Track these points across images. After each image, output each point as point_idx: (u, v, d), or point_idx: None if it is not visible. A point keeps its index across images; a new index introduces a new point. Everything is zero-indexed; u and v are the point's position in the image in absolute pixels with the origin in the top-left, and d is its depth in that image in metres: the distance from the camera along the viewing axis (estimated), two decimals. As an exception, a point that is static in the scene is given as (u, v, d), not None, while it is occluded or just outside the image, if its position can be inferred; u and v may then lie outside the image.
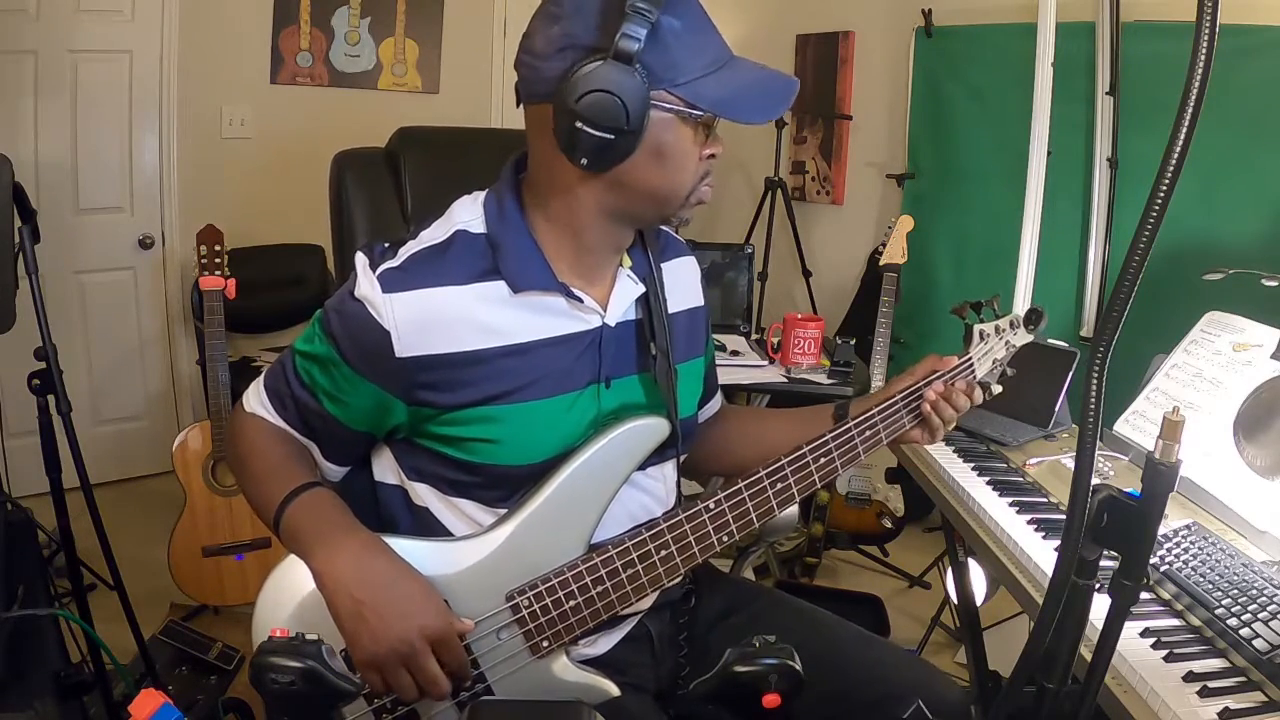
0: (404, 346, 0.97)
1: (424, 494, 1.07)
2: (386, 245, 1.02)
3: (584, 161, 0.94)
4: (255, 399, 1.10)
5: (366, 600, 0.93)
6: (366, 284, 0.97)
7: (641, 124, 0.92)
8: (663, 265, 1.15)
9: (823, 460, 1.07)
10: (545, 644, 1.01)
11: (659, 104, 0.93)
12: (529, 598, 1.00)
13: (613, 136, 0.92)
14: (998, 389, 1.29)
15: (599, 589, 1.01)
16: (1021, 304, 2.71)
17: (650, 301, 1.10)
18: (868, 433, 1.12)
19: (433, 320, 0.97)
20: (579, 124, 0.91)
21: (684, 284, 1.19)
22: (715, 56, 0.96)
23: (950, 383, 1.16)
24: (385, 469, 1.11)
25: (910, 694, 1.10)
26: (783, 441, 1.10)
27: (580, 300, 1.03)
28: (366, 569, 0.95)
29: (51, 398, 1.77)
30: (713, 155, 1.00)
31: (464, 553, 1.01)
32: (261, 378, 1.11)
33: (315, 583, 0.96)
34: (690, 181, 1.00)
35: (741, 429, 1.31)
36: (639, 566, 1.02)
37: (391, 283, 0.97)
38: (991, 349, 1.26)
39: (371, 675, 0.94)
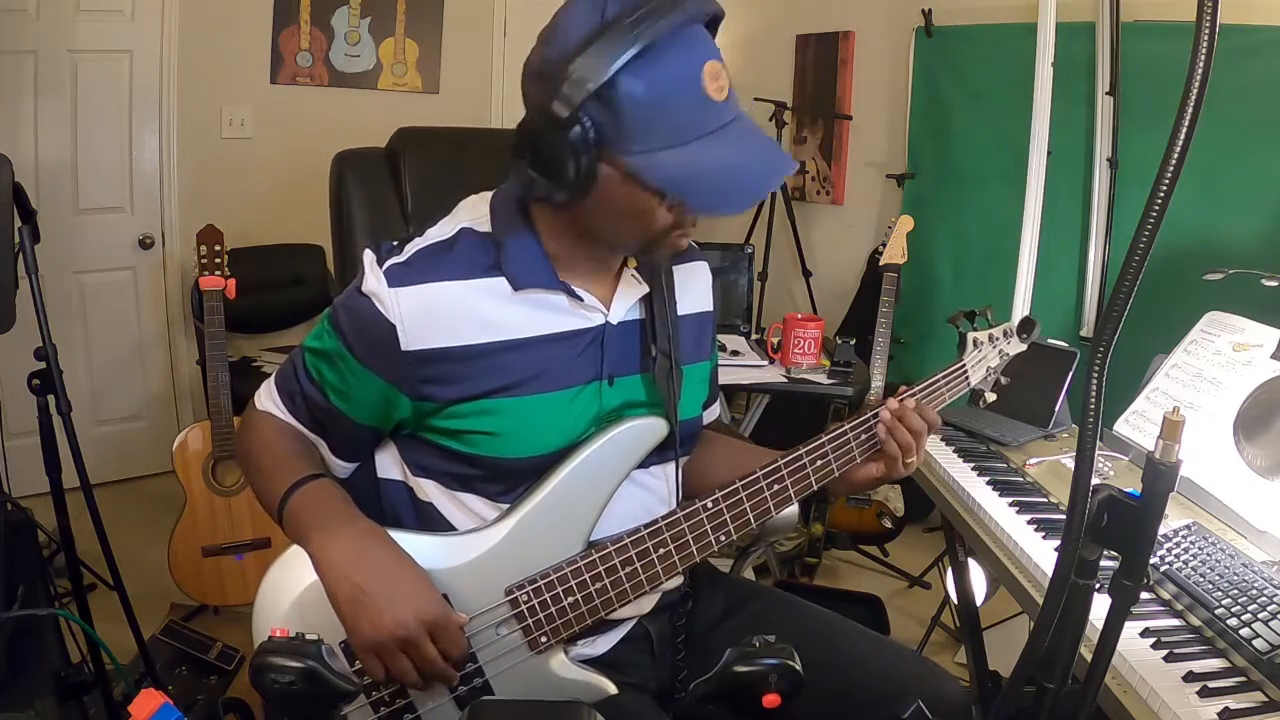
0: (409, 340, 0.98)
1: (428, 489, 1.08)
2: (394, 243, 1.04)
3: (529, 194, 0.95)
4: (266, 397, 1.12)
5: (364, 586, 0.94)
6: (373, 279, 0.99)
7: (580, 180, 0.91)
8: (675, 268, 1.16)
9: (819, 462, 1.08)
10: (544, 640, 1.01)
11: (610, 163, 0.91)
12: (528, 593, 1.00)
13: (549, 183, 0.92)
14: (992, 396, 1.31)
15: (597, 586, 1.01)
16: (1022, 304, 2.71)
17: (654, 302, 1.10)
18: (863, 435, 1.11)
19: (437, 314, 0.98)
20: (521, 161, 0.93)
21: (695, 288, 1.19)
22: (686, 128, 0.89)
23: (900, 400, 1.11)
24: (389, 465, 1.12)
25: (911, 692, 1.10)
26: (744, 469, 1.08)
27: (581, 299, 1.04)
28: (364, 555, 0.96)
29: (51, 398, 1.76)
30: (685, 210, 0.97)
31: (464, 547, 1.02)
32: (273, 376, 1.13)
33: (314, 569, 0.97)
34: (646, 234, 0.98)
35: (723, 451, 1.29)
36: (637, 564, 1.02)
37: (397, 277, 0.98)
38: (985, 357, 1.28)
39: (371, 661, 0.95)
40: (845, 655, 1.17)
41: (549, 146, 0.89)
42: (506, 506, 1.04)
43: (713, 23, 0.94)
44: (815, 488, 1.09)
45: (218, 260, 2.33)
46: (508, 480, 1.04)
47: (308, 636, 0.83)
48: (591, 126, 0.88)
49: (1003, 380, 1.32)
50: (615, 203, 0.94)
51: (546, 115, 0.88)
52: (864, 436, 1.11)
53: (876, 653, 1.19)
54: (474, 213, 1.05)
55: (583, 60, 0.85)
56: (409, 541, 1.00)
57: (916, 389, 1.17)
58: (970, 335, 1.27)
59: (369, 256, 1.01)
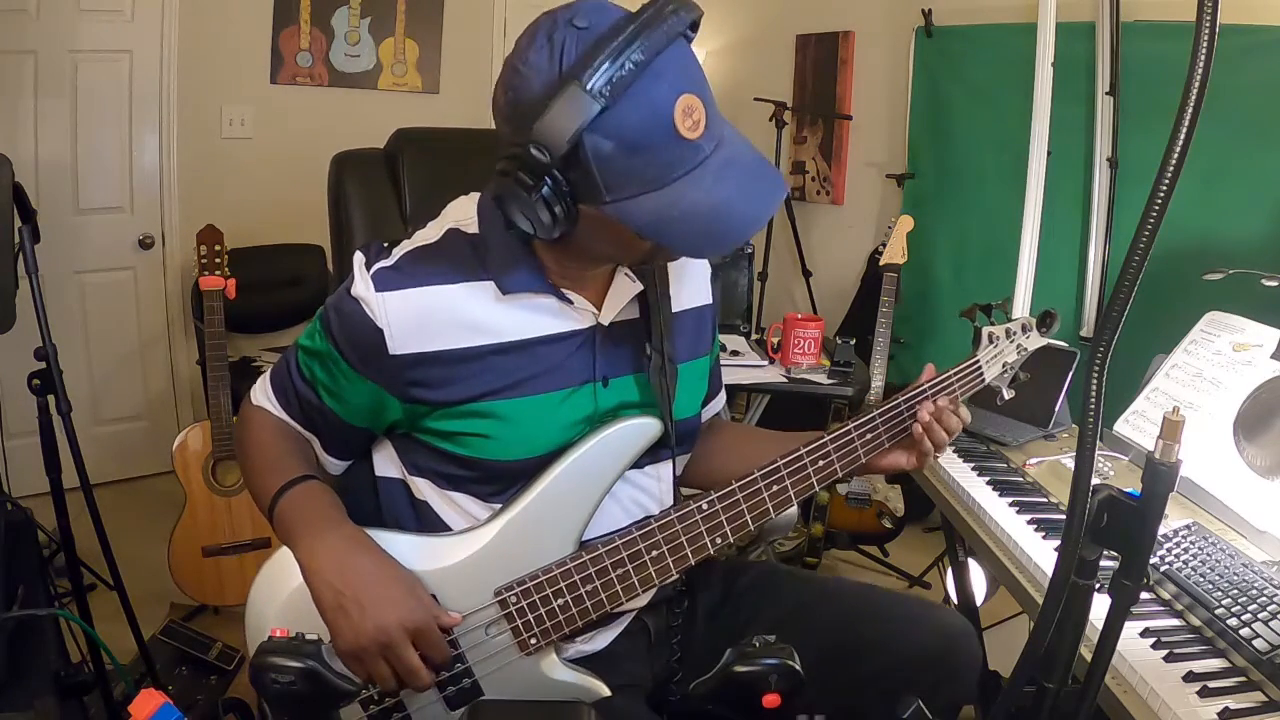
0: (397, 344, 0.98)
1: (423, 488, 1.08)
2: (384, 245, 1.04)
3: (510, 231, 0.91)
4: (261, 392, 1.13)
5: (347, 592, 0.94)
6: (362, 283, 0.99)
7: (560, 223, 0.88)
8: (669, 262, 1.14)
9: (821, 463, 1.06)
10: (533, 641, 1.01)
11: (589, 208, 0.88)
12: (517, 594, 1.00)
13: (527, 230, 0.89)
14: (1009, 394, 1.26)
15: (588, 588, 1.01)
16: (1022, 304, 2.71)
17: (649, 301, 1.09)
18: (868, 435, 1.10)
19: (425, 318, 0.98)
20: (494, 199, 0.90)
21: (692, 281, 1.18)
22: (661, 173, 0.85)
23: (935, 401, 1.11)
24: (386, 463, 1.12)
25: (914, 626, 1.13)
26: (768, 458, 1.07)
27: (571, 302, 1.03)
28: (348, 561, 0.96)
29: (51, 398, 1.76)
30: None
31: (454, 549, 1.02)
32: (268, 371, 1.14)
33: (300, 573, 0.97)
34: (636, 256, 0.98)
35: (732, 442, 1.28)
36: (629, 566, 1.02)
37: (385, 281, 0.98)
38: (1001, 352, 1.23)
39: (353, 664, 0.95)
40: (846, 607, 1.18)
41: (520, 202, 0.87)
42: (499, 507, 1.04)
43: (693, 26, 0.87)
44: (817, 489, 1.07)
45: (218, 260, 2.33)
46: (500, 482, 1.04)
47: (308, 636, 0.83)
48: (564, 180, 0.85)
49: (1022, 376, 1.27)
50: (599, 237, 0.93)
51: (514, 177, 0.86)
52: (868, 436, 1.10)
53: (873, 600, 1.20)
54: (461, 214, 1.05)
55: (542, 125, 0.81)
56: (397, 542, 1.00)
57: (933, 383, 1.14)
58: (985, 330, 1.22)
59: (358, 259, 1.01)
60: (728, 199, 0.87)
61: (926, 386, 1.14)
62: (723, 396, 1.34)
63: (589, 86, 0.79)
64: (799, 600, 1.18)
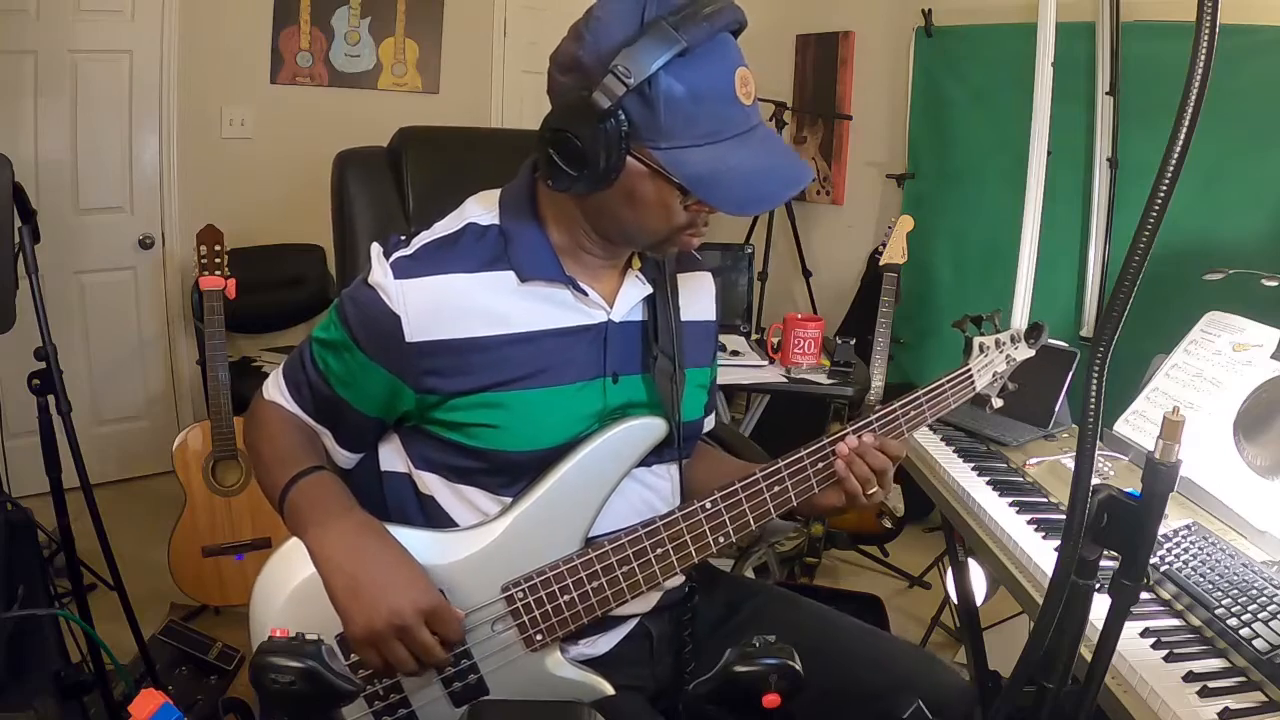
0: (413, 331, 0.99)
1: (430, 483, 1.08)
2: (402, 237, 1.05)
3: (549, 182, 0.96)
4: (274, 387, 1.14)
5: (359, 576, 0.95)
6: (380, 271, 1.00)
7: (608, 170, 0.92)
8: (680, 275, 1.17)
9: (820, 465, 1.07)
10: (539, 638, 1.02)
11: (638, 156, 0.93)
12: (524, 590, 1.01)
13: (574, 173, 0.93)
14: (998, 403, 1.31)
15: (594, 584, 1.02)
16: (1022, 304, 2.71)
17: (656, 304, 1.10)
18: (866, 439, 1.10)
19: (441, 306, 0.99)
20: (549, 148, 0.94)
21: (698, 297, 1.20)
22: (717, 128, 0.92)
23: (860, 437, 1.07)
24: (392, 457, 1.13)
25: (913, 683, 1.11)
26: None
27: (585, 294, 1.04)
28: (359, 547, 0.97)
29: (51, 398, 1.76)
30: (700, 210, 0.99)
31: (461, 543, 1.02)
32: (281, 365, 1.15)
33: (310, 559, 0.98)
34: (662, 229, 0.99)
35: (714, 467, 1.27)
36: (634, 564, 1.02)
37: (403, 270, 0.99)
38: (991, 362, 1.27)
39: (367, 652, 0.95)
40: (846, 650, 1.17)
41: (582, 137, 0.91)
42: (508, 500, 1.05)
43: (737, 32, 0.95)
44: (817, 489, 1.08)
45: (218, 260, 2.33)
46: (509, 473, 1.04)
47: (308, 636, 0.83)
48: (626, 120, 0.90)
49: (1010, 386, 1.31)
50: (636, 196, 0.95)
51: (584, 106, 0.89)
52: (867, 439, 1.09)
53: (877, 647, 1.19)
54: (481, 207, 1.07)
55: (626, 56, 0.87)
56: (406, 536, 1.01)
57: (927, 390, 1.16)
58: (976, 340, 1.26)
59: (376, 250, 1.03)
60: (771, 165, 0.95)
61: (921, 394, 1.16)
62: (714, 419, 1.33)
63: (675, 27, 0.87)
64: (803, 633, 1.15)
